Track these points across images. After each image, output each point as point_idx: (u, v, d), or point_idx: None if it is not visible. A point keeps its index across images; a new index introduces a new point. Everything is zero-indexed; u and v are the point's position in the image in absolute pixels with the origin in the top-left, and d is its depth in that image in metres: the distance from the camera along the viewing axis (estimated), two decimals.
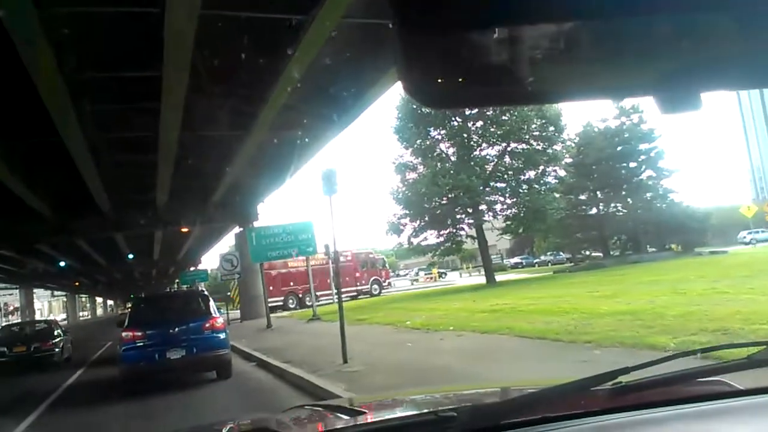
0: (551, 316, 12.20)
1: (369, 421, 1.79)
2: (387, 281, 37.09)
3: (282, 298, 31.64)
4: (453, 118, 29.42)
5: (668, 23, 0.69)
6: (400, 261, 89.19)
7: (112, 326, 25.36)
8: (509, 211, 29.43)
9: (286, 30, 11.68)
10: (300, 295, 31.30)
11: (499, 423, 1.37)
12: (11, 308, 71.98)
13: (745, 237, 40.35)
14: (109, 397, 10.33)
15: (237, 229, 31.03)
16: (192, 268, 50.65)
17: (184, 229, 35.08)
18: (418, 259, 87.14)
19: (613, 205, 35.47)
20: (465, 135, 29.53)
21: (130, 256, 43.70)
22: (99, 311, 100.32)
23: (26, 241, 30.68)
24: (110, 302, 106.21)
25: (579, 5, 0.68)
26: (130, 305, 25.02)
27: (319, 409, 2.29)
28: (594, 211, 35.94)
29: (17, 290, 59.18)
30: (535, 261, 58.88)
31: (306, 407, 2.51)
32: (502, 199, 29.10)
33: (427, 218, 29.72)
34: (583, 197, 35.17)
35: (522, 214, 28.60)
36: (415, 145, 29.77)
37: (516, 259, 60.31)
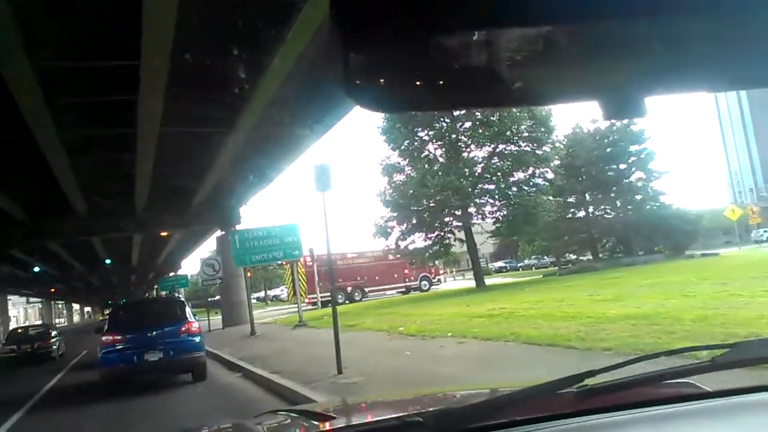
0: (557, 321, 11.52)
1: (333, 427, 1.80)
2: (437, 278, 37.74)
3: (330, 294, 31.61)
4: (441, 119, 28.79)
5: (612, 29, 0.69)
6: None
7: (89, 334, 27.99)
8: (499, 213, 28.78)
9: (277, 16, 10.95)
10: (348, 290, 32.67)
11: (465, 428, 1.38)
12: None
13: (762, 234, 40.69)
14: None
15: (219, 233, 30.11)
16: (172, 274, 49.42)
17: (164, 233, 34.23)
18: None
19: (602, 207, 35.06)
20: (453, 136, 28.87)
21: (108, 261, 42.55)
22: (76, 318, 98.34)
23: None
24: (87, 309, 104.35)
25: (522, 12, 0.67)
26: (108, 312, 24.75)
27: (290, 414, 2.32)
28: (582, 213, 35.52)
29: None
30: (519, 265, 58.55)
31: (279, 412, 2.50)
32: (491, 201, 28.40)
33: (414, 221, 29.00)
34: (571, 199, 34.71)
35: (512, 217, 27.96)
36: (403, 147, 29.04)
37: (500, 263, 59.89)
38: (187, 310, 12.70)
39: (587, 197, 34.85)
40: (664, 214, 31.85)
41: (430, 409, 1.65)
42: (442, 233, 29.71)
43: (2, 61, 10.59)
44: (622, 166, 33.47)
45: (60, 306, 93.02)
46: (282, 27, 11.03)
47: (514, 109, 27.80)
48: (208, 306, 29.80)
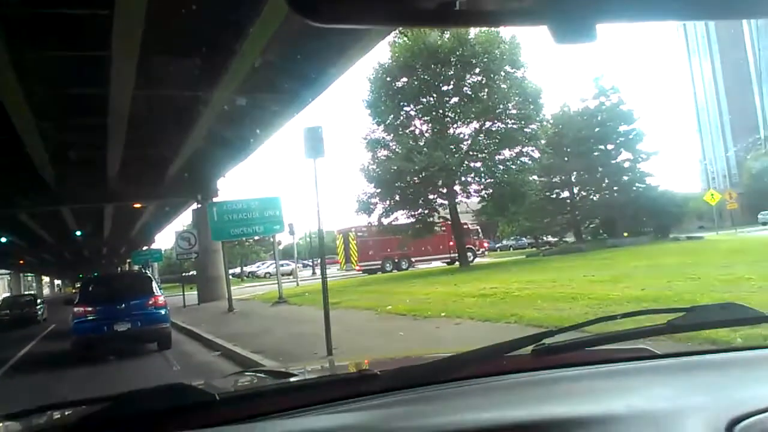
0: (558, 303, 10.88)
1: (295, 381, 1.82)
2: (481, 250, 38.36)
3: (380, 261, 34.76)
4: (428, 94, 27.92)
5: None
6: None
7: (56, 306, 33.33)
8: (485, 191, 28.06)
9: None
10: (396, 260, 34.91)
11: (420, 383, 1.40)
12: None
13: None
14: None
15: (195, 205, 29.03)
16: (145, 248, 48.21)
17: (137, 205, 33.06)
18: None
19: (588, 187, 34.53)
20: (440, 111, 28.00)
21: (78, 233, 41.17)
22: (46, 291, 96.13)
23: None
24: (58, 282, 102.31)
25: None
26: (78, 285, 24.30)
27: (257, 374, 2.37)
28: (567, 194, 35.00)
29: None
30: (497, 246, 58.21)
31: (246, 373, 2.68)
32: (477, 179, 27.65)
33: (398, 198, 28.20)
34: (557, 180, 34.14)
35: (499, 195, 27.27)
36: (388, 121, 28.08)
37: None
38: (154, 284, 13.72)
39: (572, 177, 34.31)
40: (651, 195, 31.37)
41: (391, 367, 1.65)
42: (426, 211, 28.96)
43: None
44: (610, 146, 32.85)
45: (30, 279, 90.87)
46: None
47: (503, 85, 27.13)
48: (183, 281, 28.71)
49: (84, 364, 11.32)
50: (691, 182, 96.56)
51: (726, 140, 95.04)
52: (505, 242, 58.86)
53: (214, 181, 28.51)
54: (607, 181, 33.58)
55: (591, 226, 35.55)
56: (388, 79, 27.61)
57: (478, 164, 27.71)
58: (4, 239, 39.76)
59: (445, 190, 27.67)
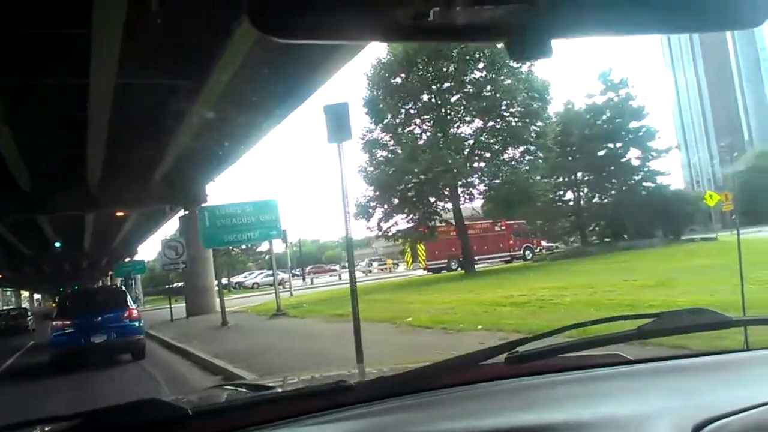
0: (612, 311, 9.38)
1: (270, 393, 1.85)
2: (539, 248, 38.95)
3: (446, 261, 34.68)
4: (429, 91, 26.45)
5: None
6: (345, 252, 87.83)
7: (38, 320, 33.87)
8: (490, 193, 26.56)
9: None
10: (459, 259, 33.98)
11: (394, 393, 1.41)
12: None
13: None
14: None
15: (182, 212, 27.28)
16: (128, 259, 46.33)
17: (120, 213, 31.22)
18: (363, 250, 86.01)
19: (595, 188, 33.14)
20: (442, 110, 26.51)
21: (57, 244, 39.11)
22: (25, 305, 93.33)
23: None
24: (37, 296, 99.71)
25: None
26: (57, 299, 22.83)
27: (233, 387, 2.38)
28: (572, 195, 33.63)
29: None
30: None
31: (224, 386, 2.68)
32: (485, 179, 26.16)
33: (397, 201, 26.65)
34: (561, 180, 32.70)
35: (506, 196, 25.78)
36: (387, 119, 26.54)
37: None
38: (128, 298, 14.41)
39: (578, 177, 32.93)
40: (663, 195, 29.99)
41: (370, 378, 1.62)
42: (428, 214, 27.41)
43: None
44: (619, 145, 31.48)
45: (9, 293, 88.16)
46: None
47: (507, 80, 25.73)
48: (169, 293, 26.84)
49: (67, 377, 11.58)
50: (676, 185, 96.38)
51: (710, 143, 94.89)
52: None
53: (203, 185, 26.83)
54: (614, 181, 32.22)
55: (596, 228, 34.22)
56: (387, 75, 26.12)
57: (483, 164, 26.24)
58: None
59: (448, 192, 26.12)
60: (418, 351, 8.94)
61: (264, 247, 70.23)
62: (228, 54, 12.47)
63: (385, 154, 26.61)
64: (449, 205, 27.41)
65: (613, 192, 32.37)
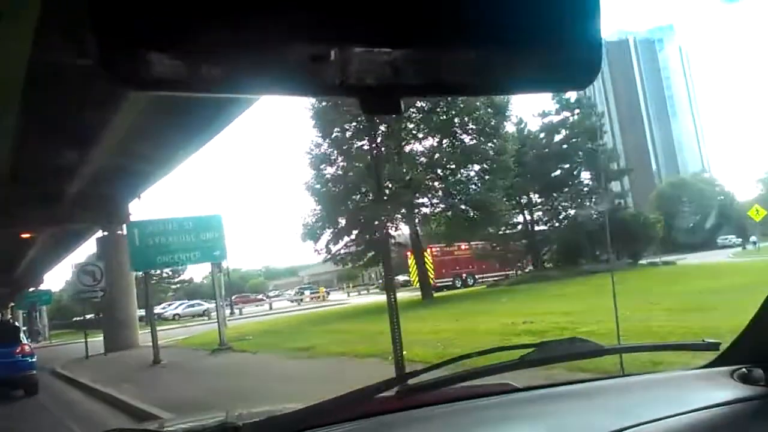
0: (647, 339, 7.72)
1: None
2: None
3: (450, 279, 34.70)
4: None
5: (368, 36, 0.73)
6: (269, 281, 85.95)
7: None
8: (449, 212, 24.86)
9: None
10: (463, 276, 35.49)
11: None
12: None
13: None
14: None
15: (100, 233, 24.02)
16: (32, 289, 41.79)
17: (26, 235, 27.43)
18: (288, 279, 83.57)
19: (548, 211, 32.15)
20: (398, 126, 24.77)
21: None
22: None
23: None
24: None
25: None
26: None
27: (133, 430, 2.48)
28: (525, 218, 32.52)
29: None
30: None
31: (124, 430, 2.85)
32: (444, 197, 24.45)
33: (344, 222, 24.49)
34: (517, 201, 31.46)
35: (464, 217, 24.13)
36: (334, 135, 24.47)
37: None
38: (21, 334, 14.82)
39: (532, 198, 31.87)
40: (620, 217, 29.11)
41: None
42: (378, 236, 25.34)
43: None
44: (575, 165, 30.64)
45: None
46: None
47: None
48: (85, 326, 23.29)
49: None
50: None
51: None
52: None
53: (126, 203, 23.74)
54: (570, 203, 31.30)
55: (548, 252, 33.20)
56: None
57: (438, 183, 24.58)
58: None
59: (404, 212, 24.19)
60: None
61: (186, 275, 66.50)
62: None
63: (332, 170, 24.47)
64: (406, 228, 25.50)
65: (568, 215, 31.44)
